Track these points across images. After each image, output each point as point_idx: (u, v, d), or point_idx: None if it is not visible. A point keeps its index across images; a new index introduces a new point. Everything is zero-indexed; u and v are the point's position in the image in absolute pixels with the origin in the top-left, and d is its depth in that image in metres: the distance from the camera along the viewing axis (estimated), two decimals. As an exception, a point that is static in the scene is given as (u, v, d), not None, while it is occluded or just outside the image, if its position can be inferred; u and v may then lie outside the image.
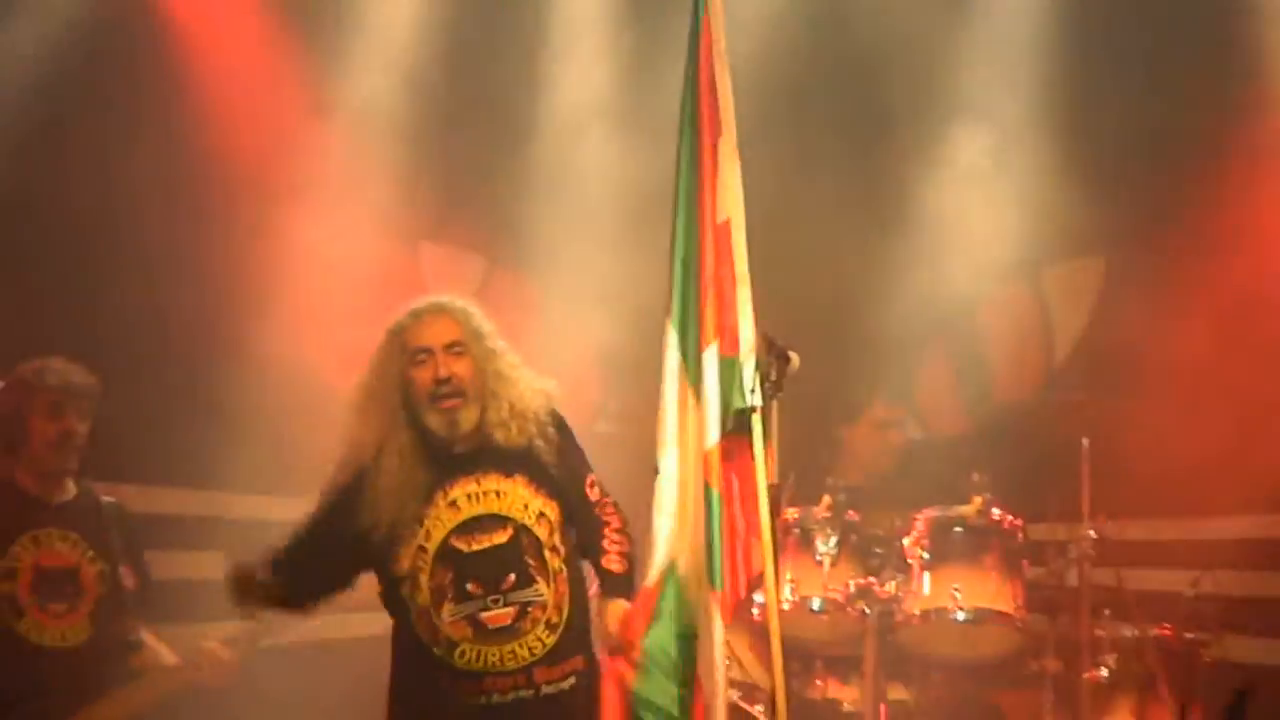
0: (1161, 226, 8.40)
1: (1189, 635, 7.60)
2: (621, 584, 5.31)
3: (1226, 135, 8.20)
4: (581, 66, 8.55)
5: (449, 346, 5.28)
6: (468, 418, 5.27)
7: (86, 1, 7.87)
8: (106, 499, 6.60)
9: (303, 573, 5.40)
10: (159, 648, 6.56)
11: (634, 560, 5.35)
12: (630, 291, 7.78)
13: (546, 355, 5.74)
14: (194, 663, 6.49)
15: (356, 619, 6.17)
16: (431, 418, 5.26)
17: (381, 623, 5.48)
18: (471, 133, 8.61)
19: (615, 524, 5.38)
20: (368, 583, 5.52)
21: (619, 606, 5.29)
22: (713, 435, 5.34)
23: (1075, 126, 8.43)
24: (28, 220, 7.92)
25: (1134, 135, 8.41)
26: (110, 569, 6.39)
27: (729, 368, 5.38)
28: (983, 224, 8.49)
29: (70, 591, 6.31)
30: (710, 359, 5.45)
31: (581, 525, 5.38)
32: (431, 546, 5.26)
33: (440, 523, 5.26)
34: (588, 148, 8.51)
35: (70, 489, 6.45)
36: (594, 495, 5.37)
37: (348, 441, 5.34)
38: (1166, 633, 7.60)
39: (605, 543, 5.35)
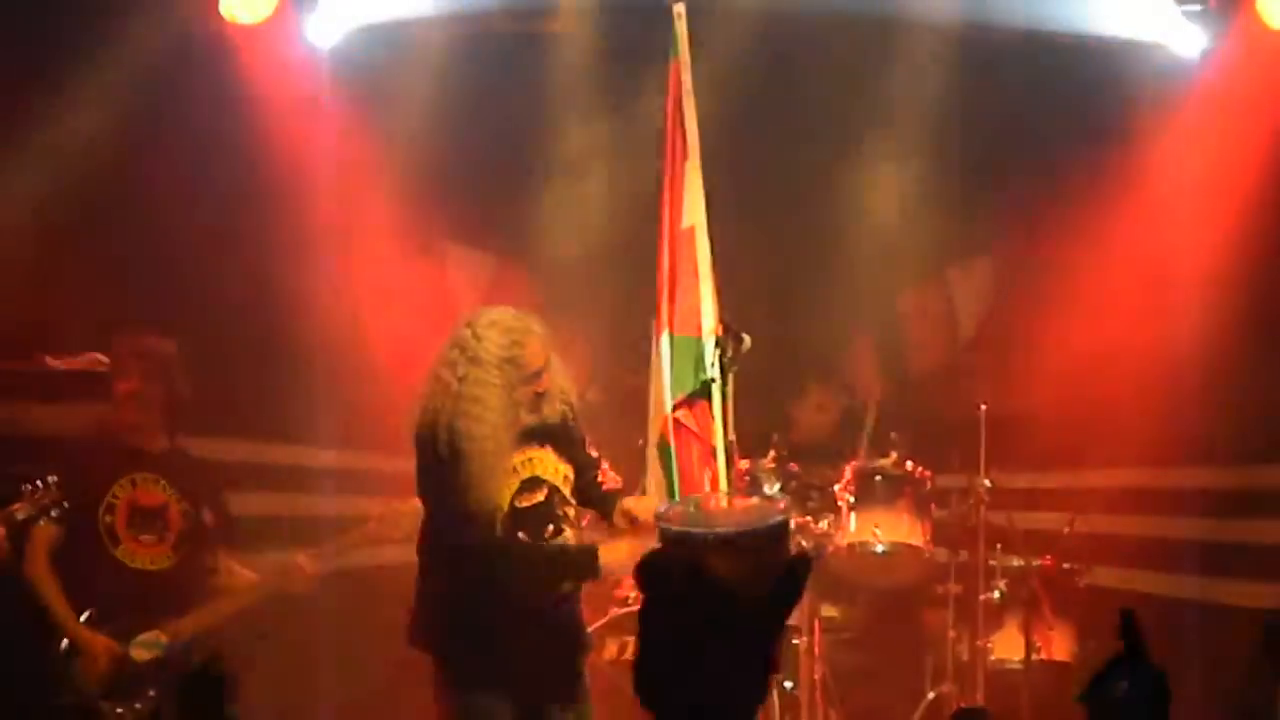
0: (1043, 231, 8.87)
1: (1066, 565, 8.32)
2: (619, 494, 6.26)
3: (1093, 159, 8.72)
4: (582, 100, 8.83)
5: (546, 366, 6.11)
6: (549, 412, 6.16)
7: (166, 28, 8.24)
8: (194, 451, 7.51)
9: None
10: (240, 570, 7.44)
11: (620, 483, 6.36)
12: (615, 284, 8.30)
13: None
14: (283, 575, 7.31)
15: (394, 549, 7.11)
16: (528, 417, 6.08)
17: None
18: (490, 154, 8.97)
19: (604, 464, 6.34)
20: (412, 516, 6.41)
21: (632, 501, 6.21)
22: (668, 403, 6.13)
23: (975, 152, 8.93)
24: (120, 215, 8.30)
25: (1020, 155, 8.88)
26: (193, 509, 7.34)
27: (693, 347, 6.10)
28: (901, 230, 8.94)
29: (159, 526, 7.29)
30: (665, 343, 6.13)
31: (584, 469, 6.25)
32: (503, 504, 6.09)
33: (507, 485, 6.11)
34: (587, 162, 8.86)
35: (163, 441, 7.37)
36: (592, 451, 6.30)
37: (477, 425, 6.03)
38: (1047, 563, 8.29)
39: (601, 476, 6.28)
